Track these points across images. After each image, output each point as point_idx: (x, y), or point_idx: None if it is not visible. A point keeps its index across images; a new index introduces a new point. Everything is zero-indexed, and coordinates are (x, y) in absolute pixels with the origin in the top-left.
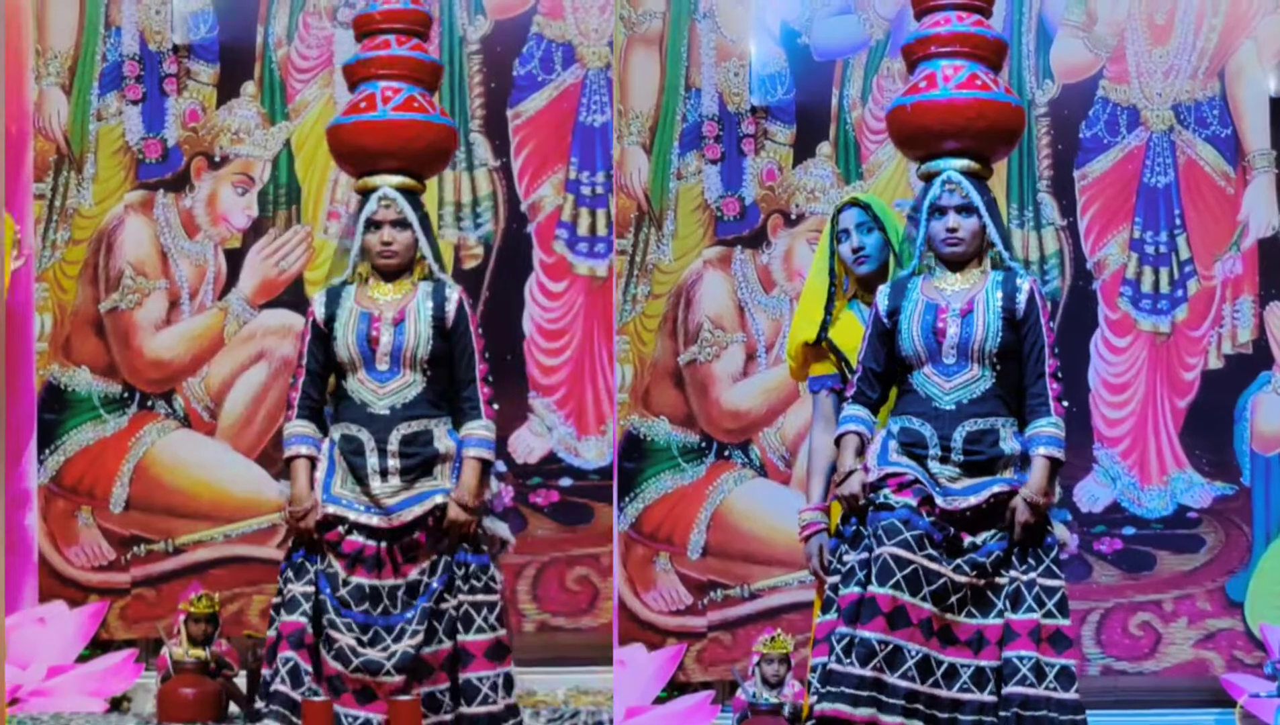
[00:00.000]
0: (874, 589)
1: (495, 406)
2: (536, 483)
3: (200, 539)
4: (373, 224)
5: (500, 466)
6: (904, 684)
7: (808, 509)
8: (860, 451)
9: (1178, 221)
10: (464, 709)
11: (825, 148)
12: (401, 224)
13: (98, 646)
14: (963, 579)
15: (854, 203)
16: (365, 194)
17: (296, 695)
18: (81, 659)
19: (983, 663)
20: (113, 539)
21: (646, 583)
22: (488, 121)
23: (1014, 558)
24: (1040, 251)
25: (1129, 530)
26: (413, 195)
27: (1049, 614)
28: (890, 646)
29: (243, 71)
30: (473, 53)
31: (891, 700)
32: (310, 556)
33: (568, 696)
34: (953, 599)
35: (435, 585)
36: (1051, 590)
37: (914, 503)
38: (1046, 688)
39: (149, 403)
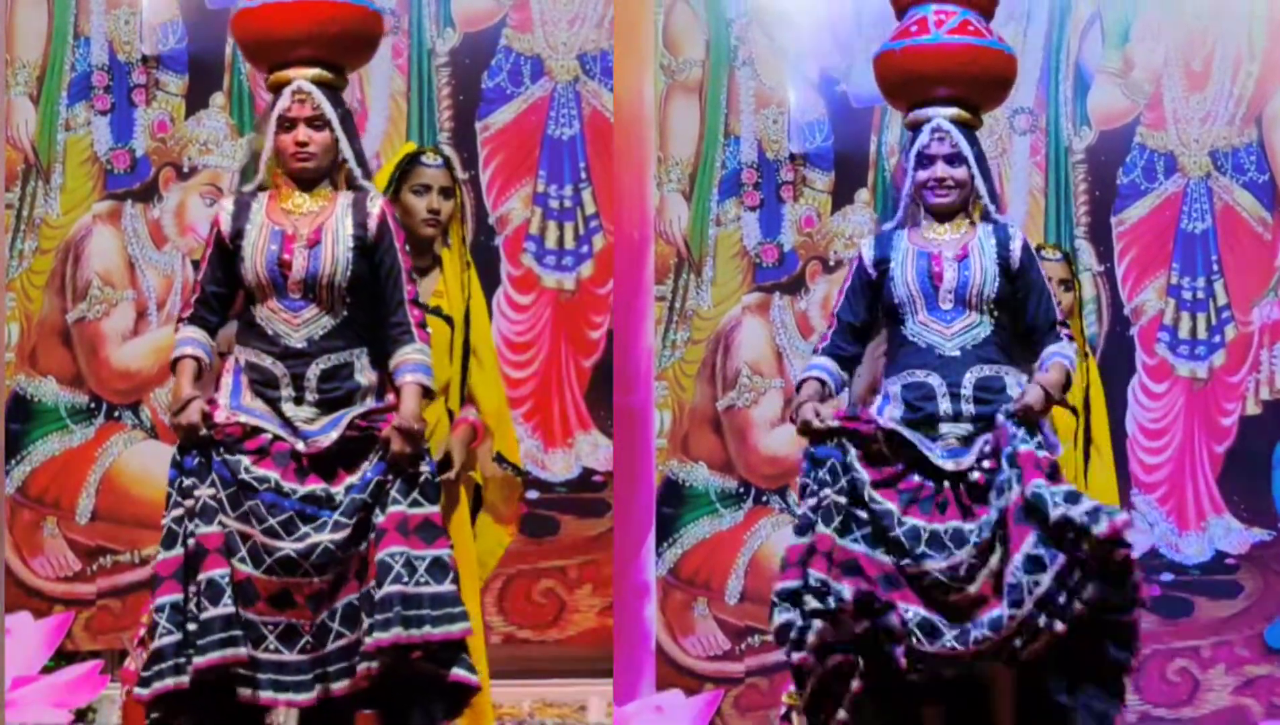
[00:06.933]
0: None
1: (428, 330)
2: None
3: None
4: (286, 122)
5: None
6: None
7: None
8: (819, 395)
9: (1215, 267)
10: (374, 592)
11: (864, 194)
12: (318, 122)
13: (62, 658)
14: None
15: None
16: (278, 90)
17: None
18: (46, 670)
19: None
20: (79, 550)
21: (685, 628)
22: (456, 134)
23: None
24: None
25: (1167, 576)
26: (332, 90)
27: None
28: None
29: (212, 83)
30: (441, 65)
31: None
32: (205, 456)
33: (533, 709)
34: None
35: (370, 474)
36: None
37: (895, 508)
38: None
39: (116, 413)
